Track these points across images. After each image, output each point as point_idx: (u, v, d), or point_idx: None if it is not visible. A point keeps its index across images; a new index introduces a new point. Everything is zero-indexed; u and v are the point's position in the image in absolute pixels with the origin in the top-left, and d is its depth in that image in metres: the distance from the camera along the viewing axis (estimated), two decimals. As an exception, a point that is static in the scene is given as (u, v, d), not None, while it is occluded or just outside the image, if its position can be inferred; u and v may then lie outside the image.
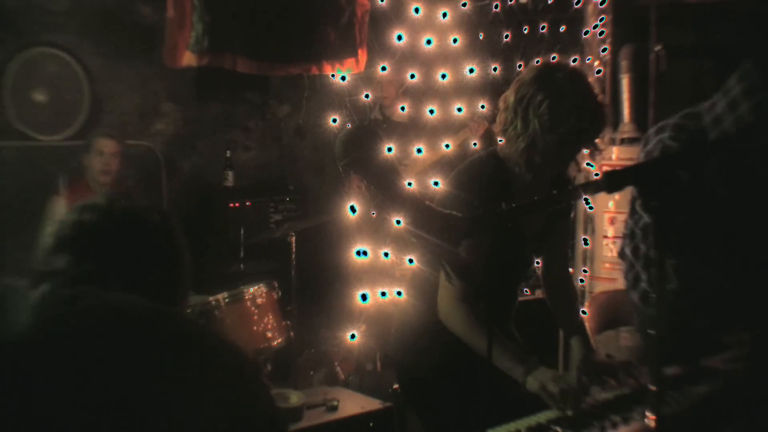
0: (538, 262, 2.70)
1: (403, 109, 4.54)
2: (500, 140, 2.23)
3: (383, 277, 4.24)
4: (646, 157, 2.31)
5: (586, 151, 2.26)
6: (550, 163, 2.11)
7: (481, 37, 4.52)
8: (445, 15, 4.33)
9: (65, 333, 1.11)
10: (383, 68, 4.26)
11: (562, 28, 4.55)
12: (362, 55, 4.54)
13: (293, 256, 4.01)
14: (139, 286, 1.29)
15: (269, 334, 3.63)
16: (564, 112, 2.01)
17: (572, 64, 4.12)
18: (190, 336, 1.19)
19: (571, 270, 2.94)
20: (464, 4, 4.34)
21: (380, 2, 4.24)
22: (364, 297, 4.08)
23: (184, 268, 1.38)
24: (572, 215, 3.81)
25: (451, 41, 4.42)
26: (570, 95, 2.02)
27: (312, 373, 4.09)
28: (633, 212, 2.46)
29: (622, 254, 2.56)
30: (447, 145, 4.51)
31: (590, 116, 2.05)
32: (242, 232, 4.38)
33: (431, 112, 4.51)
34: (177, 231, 1.39)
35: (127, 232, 1.32)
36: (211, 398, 1.12)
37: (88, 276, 1.25)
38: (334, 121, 4.31)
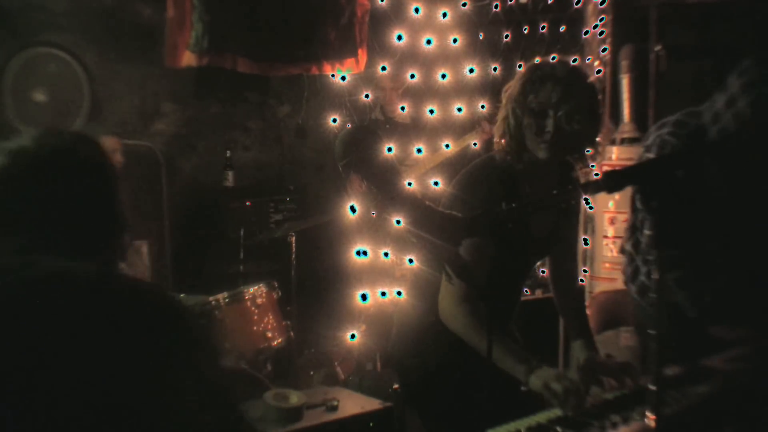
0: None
1: (403, 109, 4.54)
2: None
3: (383, 277, 4.23)
4: (645, 152, 2.32)
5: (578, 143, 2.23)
6: (530, 145, 2.10)
7: (481, 37, 4.52)
8: (445, 15, 4.33)
9: (18, 304, 1.11)
10: (383, 68, 4.26)
11: (562, 28, 4.55)
12: (362, 55, 4.54)
13: (293, 256, 4.00)
14: (80, 229, 1.26)
15: (269, 334, 3.63)
16: (530, 84, 2.06)
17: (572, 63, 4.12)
18: (137, 295, 1.19)
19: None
20: (464, 4, 4.34)
21: (380, 2, 4.24)
22: (364, 297, 4.08)
23: (120, 199, 1.34)
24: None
25: (451, 41, 4.42)
26: (539, 71, 2.07)
27: (312, 373, 4.09)
28: (634, 208, 2.48)
29: (623, 250, 2.58)
30: (447, 145, 4.51)
31: (559, 88, 2.04)
32: (242, 232, 4.38)
33: (431, 112, 4.51)
34: (108, 159, 1.35)
35: (60, 173, 1.26)
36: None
37: (27, 239, 1.21)
38: (334, 121, 4.30)
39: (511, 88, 2.14)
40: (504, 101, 2.16)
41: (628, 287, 2.55)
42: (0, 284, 1.14)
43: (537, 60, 2.22)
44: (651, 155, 2.27)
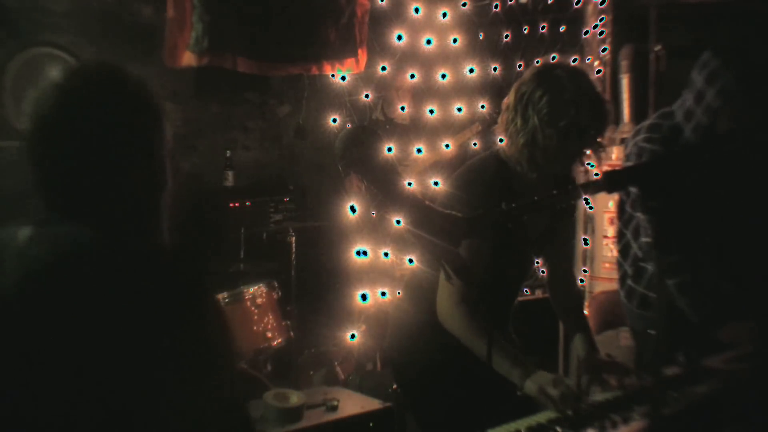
0: (537, 262, 2.69)
1: (403, 109, 4.54)
2: (500, 140, 2.23)
3: (383, 277, 4.23)
4: (625, 161, 2.34)
5: (589, 152, 2.22)
6: (552, 161, 2.08)
7: (481, 37, 4.52)
8: (445, 15, 4.33)
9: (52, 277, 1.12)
10: (383, 68, 4.26)
11: (562, 28, 4.55)
12: (362, 55, 4.54)
13: (293, 256, 4.00)
14: (111, 191, 1.21)
15: (269, 334, 3.63)
16: (563, 105, 2.00)
17: (572, 63, 4.12)
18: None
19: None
20: (464, 4, 4.34)
21: (380, 2, 4.24)
22: (364, 297, 4.07)
23: (159, 151, 1.31)
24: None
25: (451, 41, 4.42)
26: (569, 89, 2.01)
27: (312, 373, 4.09)
28: (622, 213, 2.48)
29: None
30: (447, 145, 4.51)
31: (590, 110, 2.02)
32: (242, 232, 4.38)
33: (431, 112, 4.51)
34: (156, 98, 1.30)
35: (92, 122, 1.20)
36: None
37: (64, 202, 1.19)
38: (334, 121, 4.30)
39: (531, 97, 2.04)
40: (518, 106, 2.07)
41: (619, 292, 2.54)
42: (16, 261, 1.14)
43: (555, 68, 2.09)
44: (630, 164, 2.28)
